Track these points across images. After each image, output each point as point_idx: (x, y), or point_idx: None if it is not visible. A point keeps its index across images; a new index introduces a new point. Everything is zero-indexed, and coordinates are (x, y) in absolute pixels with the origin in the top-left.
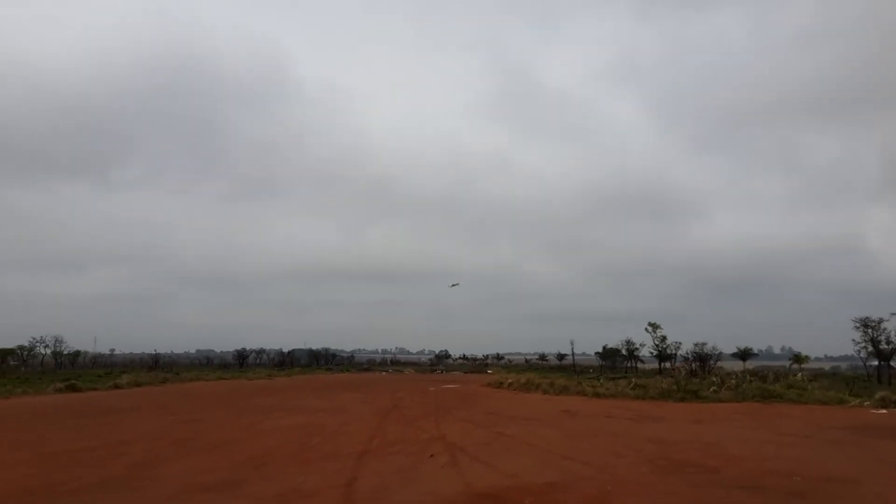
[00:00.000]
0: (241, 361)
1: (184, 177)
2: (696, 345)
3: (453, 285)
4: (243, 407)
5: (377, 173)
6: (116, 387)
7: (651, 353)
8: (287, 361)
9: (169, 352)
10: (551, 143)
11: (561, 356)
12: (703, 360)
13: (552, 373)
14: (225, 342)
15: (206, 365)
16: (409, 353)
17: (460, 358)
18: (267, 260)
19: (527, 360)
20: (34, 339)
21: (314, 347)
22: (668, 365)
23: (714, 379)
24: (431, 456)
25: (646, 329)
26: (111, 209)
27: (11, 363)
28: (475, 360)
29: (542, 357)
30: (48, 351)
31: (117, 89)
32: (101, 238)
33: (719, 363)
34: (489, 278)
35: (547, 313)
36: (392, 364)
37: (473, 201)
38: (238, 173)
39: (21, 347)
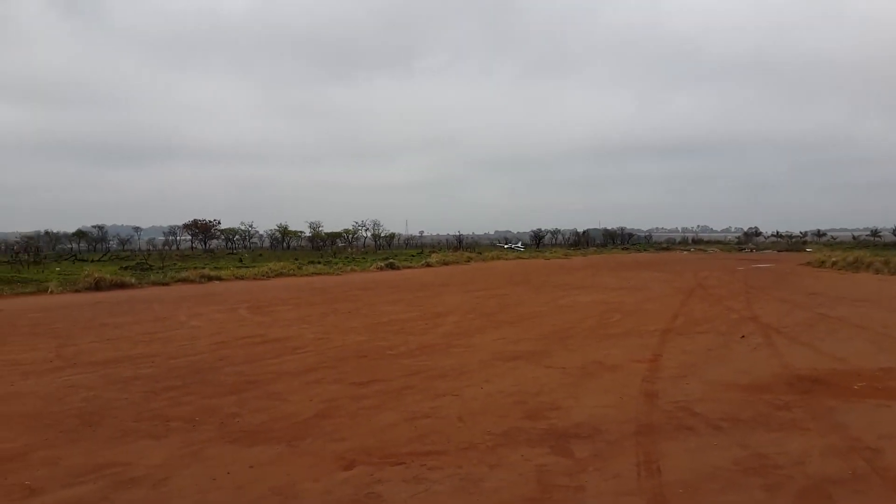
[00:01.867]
0: (537, 241)
1: (480, 61)
2: None
3: (510, 246)
4: (542, 284)
5: (677, 36)
6: (427, 265)
7: None
8: (582, 241)
9: (470, 233)
10: None
11: None
12: None
13: (888, 250)
14: (521, 223)
15: (505, 244)
16: (712, 230)
17: (772, 235)
18: (562, 138)
19: (854, 238)
20: (356, 223)
21: (609, 227)
22: None
23: None
24: (742, 336)
25: None
26: (415, 99)
27: (339, 244)
28: (790, 237)
29: (875, 233)
30: (368, 234)
31: None
32: (407, 128)
33: None
34: (809, 145)
35: (882, 181)
36: (693, 243)
37: (790, 58)
38: (532, 53)
39: (346, 231)
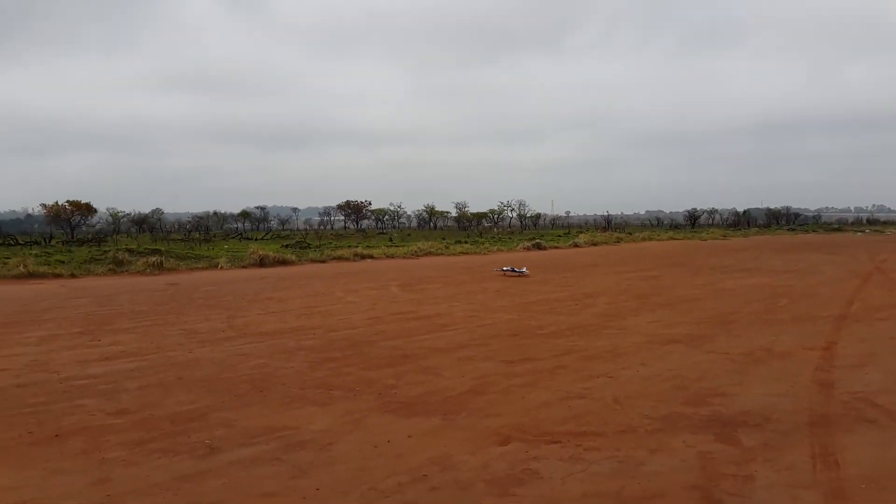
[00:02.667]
0: (693, 221)
1: (634, 35)
2: None
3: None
4: (699, 266)
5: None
6: (575, 245)
7: None
8: (742, 221)
9: (619, 213)
10: None
11: None
12: None
13: None
14: (674, 202)
15: (657, 225)
16: (889, 210)
17: None
18: (719, 115)
19: None
20: (502, 203)
21: (772, 206)
22: None
23: None
24: None
25: None
26: (564, 77)
27: (485, 224)
28: None
29: None
30: (514, 214)
31: None
32: (555, 107)
33: None
34: None
35: None
36: (868, 223)
37: None
38: (691, 23)
39: (492, 211)
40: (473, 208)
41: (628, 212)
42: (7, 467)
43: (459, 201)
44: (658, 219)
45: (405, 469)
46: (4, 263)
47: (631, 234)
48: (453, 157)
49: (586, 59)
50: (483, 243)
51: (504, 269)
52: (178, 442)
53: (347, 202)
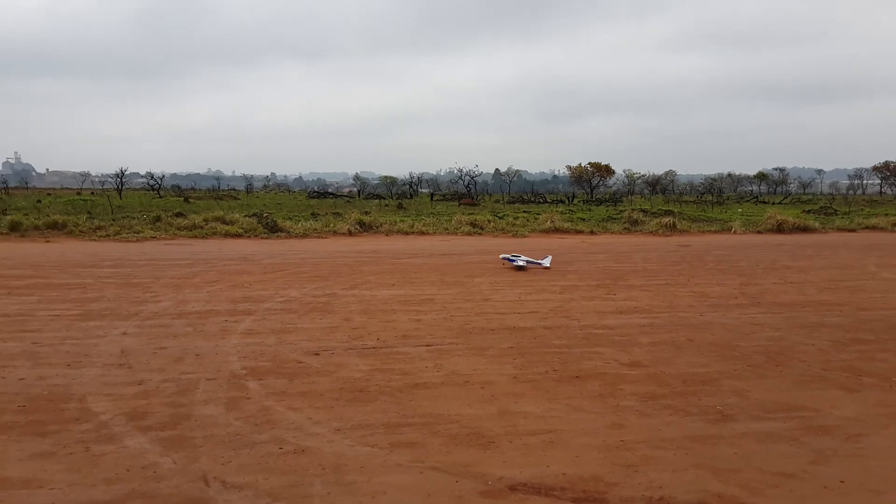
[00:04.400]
0: None
1: None
2: None
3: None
4: None
5: None
6: None
7: None
8: None
9: None
10: None
11: None
12: None
13: None
14: None
15: None
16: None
17: None
18: None
19: None
20: None
21: None
22: None
23: None
24: None
25: None
26: None
27: None
28: None
29: None
30: None
31: None
32: None
33: None
34: None
35: None
36: None
37: None
38: None
39: None
40: None
41: None
42: (537, 398)
43: None
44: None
45: None
46: (536, 218)
47: None
48: None
49: None
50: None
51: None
52: (690, 402)
53: (885, 163)
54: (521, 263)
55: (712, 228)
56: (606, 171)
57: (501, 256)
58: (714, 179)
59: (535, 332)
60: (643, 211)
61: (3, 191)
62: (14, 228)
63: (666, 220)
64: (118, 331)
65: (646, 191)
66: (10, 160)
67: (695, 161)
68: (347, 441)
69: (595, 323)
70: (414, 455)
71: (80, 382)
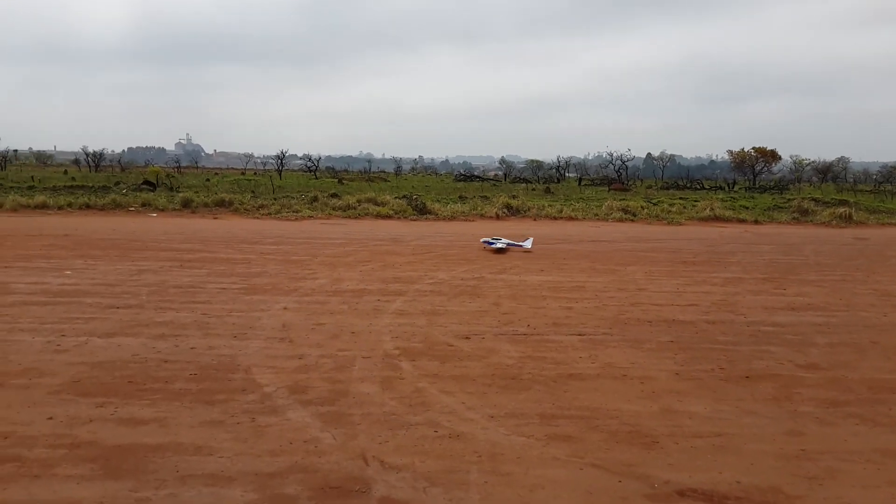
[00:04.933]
0: None
1: None
2: None
3: None
4: None
5: None
6: None
7: None
8: None
9: None
10: None
11: None
12: None
13: None
14: None
15: None
16: None
17: None
18: None
19: None
20: None
21: None
22: None
23: None
24: None
25: None
26: None
27: None
28: None
29: None
30: None
31: None
32: None
33: None
34: None
35: None
36: None
37: None
38: None
39: None
40: None
41: None
42: (703, 398)
43: None
44: None
45: None
46: (693, 205)
47: None
48: None
49: None
50: None
51: None
52: (878, 412)
53: None
54: (500, 246)
55: (893, 221)
56: (772, 156)
57: (482, 240)
58: (893, 168)
59: (697, 327)
60: (815, 200)
61: (176, 170)
62: (186, 205)
63: (841, 210)
64: (279, 305)
65: (815, 178)
66: (182, 141)
67: (871, 147)
68: (502, 429)
69: (764, 319)
70: (572, 449)
71: (246, 354)
